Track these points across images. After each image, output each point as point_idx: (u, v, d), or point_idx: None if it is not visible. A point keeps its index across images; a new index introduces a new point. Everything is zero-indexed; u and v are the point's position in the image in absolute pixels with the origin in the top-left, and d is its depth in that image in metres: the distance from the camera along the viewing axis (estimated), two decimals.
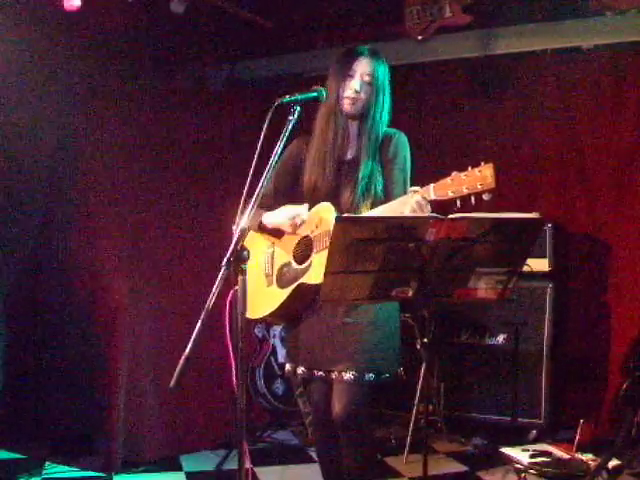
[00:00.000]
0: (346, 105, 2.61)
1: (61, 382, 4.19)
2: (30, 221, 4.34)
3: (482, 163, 2.12)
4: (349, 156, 2.68)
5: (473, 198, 2.14)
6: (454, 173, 2.17)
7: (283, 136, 2.31)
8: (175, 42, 5.02)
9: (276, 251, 2.74)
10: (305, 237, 2.61)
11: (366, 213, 2.53)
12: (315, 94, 2.50)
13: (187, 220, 4.46)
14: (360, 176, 2.58)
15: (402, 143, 2.66)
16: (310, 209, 2.65)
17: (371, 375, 2.55)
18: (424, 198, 2.24)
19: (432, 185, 2.23)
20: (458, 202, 2.17)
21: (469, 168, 2.14)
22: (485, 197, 2.13)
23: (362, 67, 2.61)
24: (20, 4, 3.97)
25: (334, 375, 2.57)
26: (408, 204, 2.28)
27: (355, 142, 2.68)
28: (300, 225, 2.60)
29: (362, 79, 2.60)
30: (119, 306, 3.92)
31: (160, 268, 4.22)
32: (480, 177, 2.11)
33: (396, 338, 2.66)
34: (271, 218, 2.67)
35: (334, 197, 2.61)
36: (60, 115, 4.33)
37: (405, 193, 2.57)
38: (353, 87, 2.59)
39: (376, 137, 2.63)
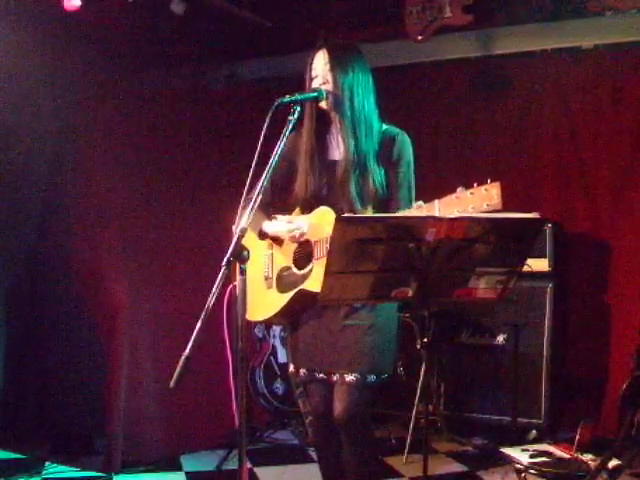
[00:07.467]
0: (322, 102, 2.55)
1: (61, 382, 4.19)
2: (29, 222, 4.34)
3: (489, 180, 2.09)
4: (337, 157, 2.62)
5: None
6: (459, 189, 2.12)
7: (283, 136, 2.31)
8: (175, 42, 5.02)
9: (275, 254, 2.71)
10: (305, 242, 2.57)
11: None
12: (315, 94, 2.51)
13: (187, 220, 4.46)
14: (347, 176, 2.53)
15: (406, 144, 2.60)
16: (303, 212, 2.63)
17: (373, 376, 2.55)
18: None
19: (437, 201, 2.16)
20: None
21: (475, 185, 2.10)
22: None
23: (319, 60, 2.57)
24: (20, 4, 3.97)
25: (335, 377, 2.57)
26: None
27: (341, 141, 2.60)
28: (300, 238, 2.57)
29: (324, 71, 2.55)
30: (119, 306, 3.92)
31: (160, 268, 4.22)
32: (487, 196, 2.08)
33: (395, 339, 2.66)
34: (272, 228, 2.65)
35: (327, 200, 2.56)
36: (60, 114, 4.33)
37: (410, 196, 2.57)
38: (318, 83, 2.55)
39: (365, 131, 2.54)
